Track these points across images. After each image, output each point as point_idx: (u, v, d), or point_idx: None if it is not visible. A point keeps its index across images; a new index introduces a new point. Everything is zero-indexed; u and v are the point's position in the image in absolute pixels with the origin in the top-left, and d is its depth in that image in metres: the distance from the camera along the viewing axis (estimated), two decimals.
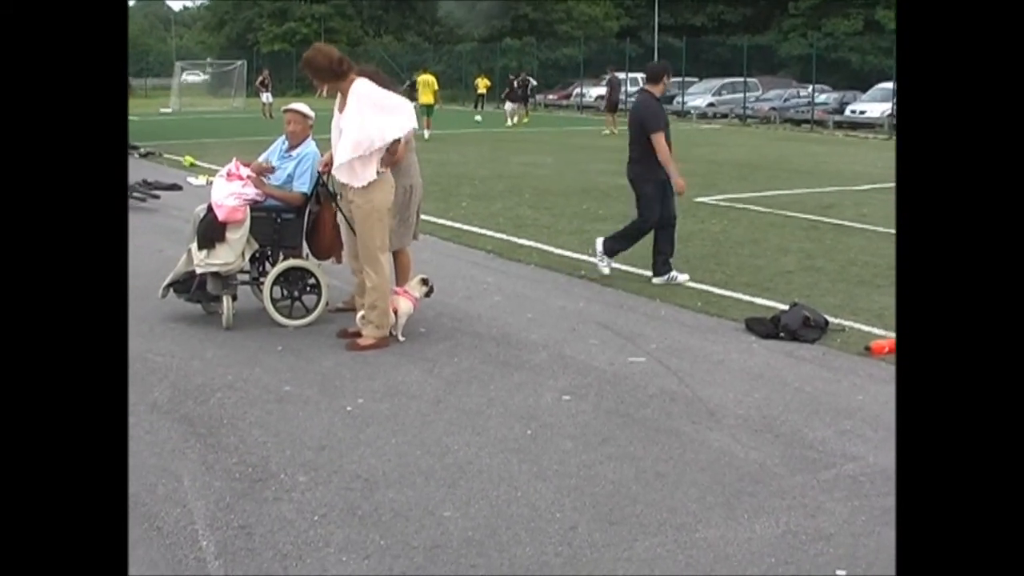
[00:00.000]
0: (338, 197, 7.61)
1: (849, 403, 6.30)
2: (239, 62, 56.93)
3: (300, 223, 8.05)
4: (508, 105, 39.87)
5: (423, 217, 11.92)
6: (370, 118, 7.09)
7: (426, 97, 30.71)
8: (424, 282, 7.89)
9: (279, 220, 7.95)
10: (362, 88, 7.18)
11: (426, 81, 31.27)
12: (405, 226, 8.07)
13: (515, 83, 40.74)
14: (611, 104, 34.20)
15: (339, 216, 7.73)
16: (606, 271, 9.90)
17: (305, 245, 8.19)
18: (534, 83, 44.61)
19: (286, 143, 8.16)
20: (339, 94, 7.30)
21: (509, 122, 38.27)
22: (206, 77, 65.76)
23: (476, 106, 50.51)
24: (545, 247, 11.57)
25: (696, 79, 49.78)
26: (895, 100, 33.12)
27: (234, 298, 7.93)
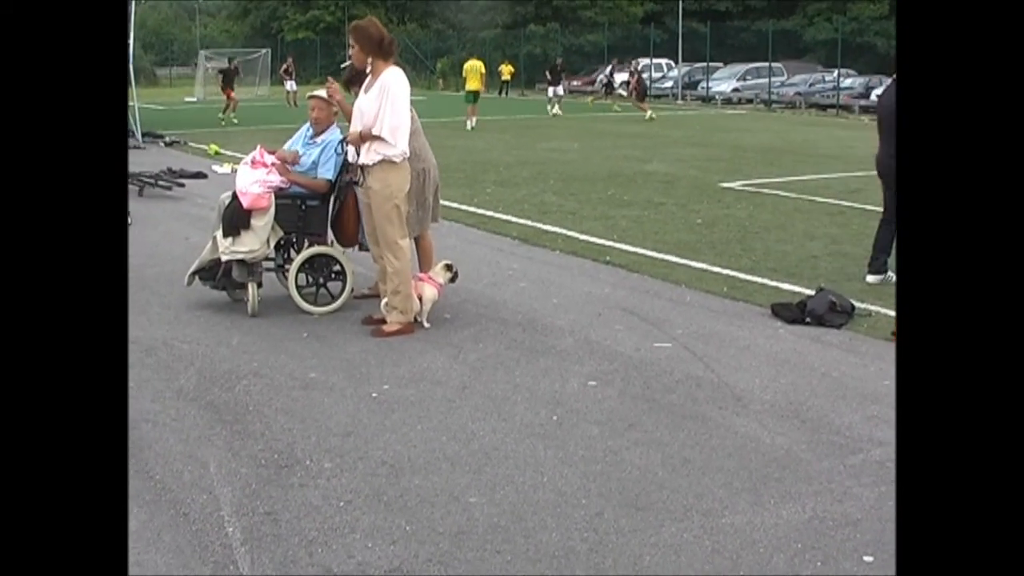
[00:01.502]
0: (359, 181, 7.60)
1: (876, 388, 6.26)
2: (263, 50, 57.00)
3: (325, 210, 8.06)
4: (551, 90, 37.55)
5: (447, 203, 11.94)
6: (386, 108, 7.12)
7: (473, 83, 29.68)
8: (448, 268, 7.87)
9: (304, 207, 7.96)
10: (393, 79, 7.20)
11: (474, 67, 30.27)
12: (423, 210, 8.06)
13: (633, 73, 40.71)
14: (642, 92, 34.59)
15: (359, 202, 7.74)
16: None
17: (330, 232, 8.20)
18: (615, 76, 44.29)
19: (311, 130, 8.16)
20: (370, 76, 7.32)
21: (555, 110, 35.90)
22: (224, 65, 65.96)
23: (500, 93, 50.44)
24: (570, 233, 11.54)
25: (721, 64, 49.57)
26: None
27: (259, 285, 7.94)
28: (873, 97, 38.84)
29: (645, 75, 45.85)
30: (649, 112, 32.94)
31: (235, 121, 29.60)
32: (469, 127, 27.78)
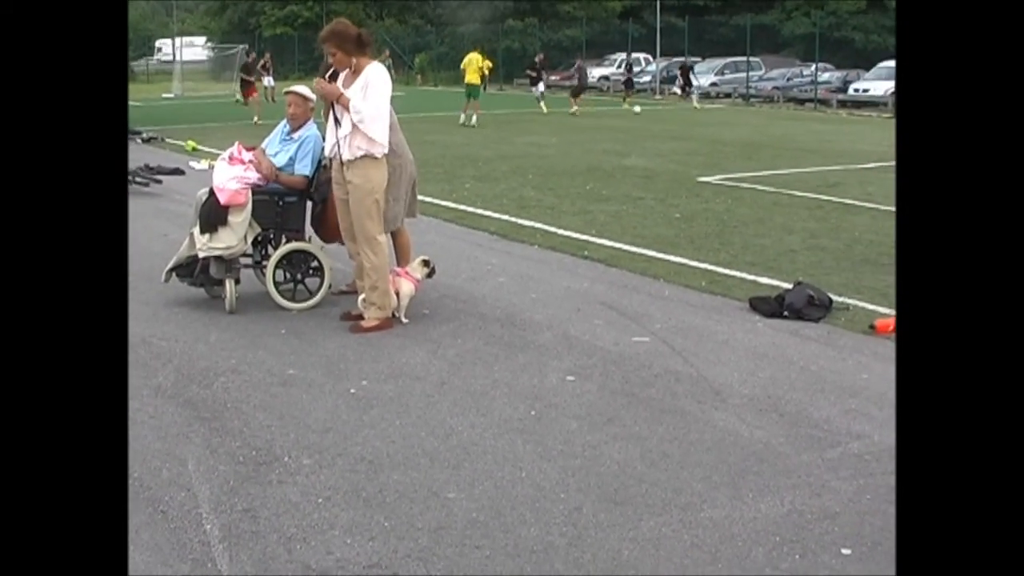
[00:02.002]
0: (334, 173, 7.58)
1: (854, 381, 6.28)
2: (241, 46, 56.80)
3: (302, 206, 8.05)
4: (537, 88, 34.69)
5: (426, 199, 11.92)
6: (371, 98, 7.12)
7: (471, 77, 28.80)
8: (425, 263, 7.86)
9: (281, 203, 7.93)
10: (375, 74, 7.20)
11: (471, 60, 29.36)
12: (399, 205, 8.04)
13: (626, 66, 39.63)
14: (579, 88, 34.33)
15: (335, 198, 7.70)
16: None
17: (309, 228, 8.19)
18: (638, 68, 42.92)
19: (287, 126, 8.14)
20: (349, 71, 7.30)
21: (544, 107, 33.24)
22: (205, 54, 65.81)
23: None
24: (549, 228, 11.54)
25: (699, 59, 49.63)
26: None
27: (237, 282, 7.91)
28: (852, 91, 39.03)
29: (633, 71, 45.81)
30: (575, 108, 32.54)
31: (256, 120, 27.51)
32: (461, 121, 27.32)
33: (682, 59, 44.64)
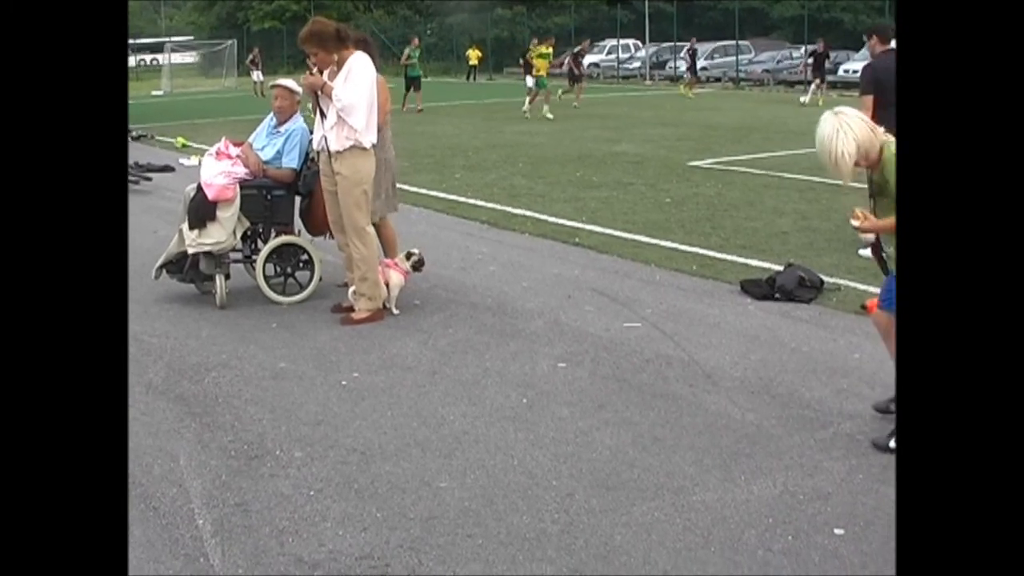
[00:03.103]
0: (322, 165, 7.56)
1: (845, 362, 6.28)
2: (229, 41, 56.71)
3: (291, 200, 8.03)
4: (530, 80, 29.51)
5: (418, 189, 11.90)
6: (352, 88, 7.11)
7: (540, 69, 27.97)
8: (409, 256, 7.82)
9: (269, 197, 7.91)
10: (357, 63, 7.19)
11: (540, 53, 28.62)
12: (379, 200, 7.99)
13: (687, 54, 37.92)
14: (572, 77, 31.86)
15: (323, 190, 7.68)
16: None
17: (299, 221, 8.18)
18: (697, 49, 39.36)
19: (274, 120, 8.12)
20: (334, 68, 7.28)
21: (526, 105, 28.41)
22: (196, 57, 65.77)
23: (468, 78, 50.32)
24: (540, 216, 11.52)
25: (688, 43, 49.59)
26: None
27: (227, 277, 7.90)
28: (842, 72, 38.96)
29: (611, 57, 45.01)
30: (576, 99, 30.82)
31: None
32: (524, 109, 26.73)
33: (815, 44, 35.34)
